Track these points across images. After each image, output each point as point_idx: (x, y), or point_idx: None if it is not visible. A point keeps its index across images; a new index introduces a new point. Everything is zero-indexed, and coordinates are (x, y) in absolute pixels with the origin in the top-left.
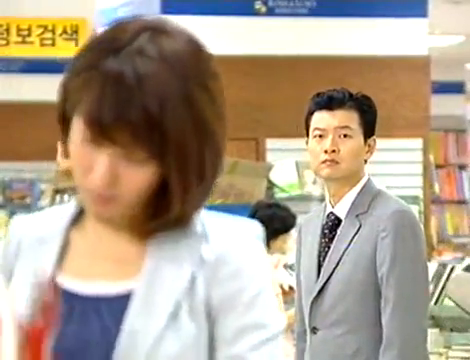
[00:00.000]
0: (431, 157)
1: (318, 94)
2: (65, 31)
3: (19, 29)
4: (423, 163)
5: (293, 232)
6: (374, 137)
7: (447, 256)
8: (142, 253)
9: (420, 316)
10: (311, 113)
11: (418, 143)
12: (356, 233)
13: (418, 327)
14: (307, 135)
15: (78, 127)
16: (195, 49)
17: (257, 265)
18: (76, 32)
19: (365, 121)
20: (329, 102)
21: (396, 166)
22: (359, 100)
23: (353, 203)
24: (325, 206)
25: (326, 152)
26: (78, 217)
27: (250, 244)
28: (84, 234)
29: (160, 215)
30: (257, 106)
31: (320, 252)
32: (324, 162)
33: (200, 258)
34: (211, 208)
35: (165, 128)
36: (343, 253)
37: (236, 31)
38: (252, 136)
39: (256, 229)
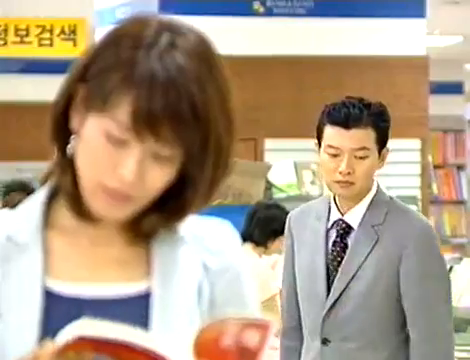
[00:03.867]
0: (429, 157)
1: (334, 106)
2: (63, 31)
3: (17, 29)
4: (421, 163)
5: None
6: (388, 146)
7: (445, 256)
8: (144, 255)
9: (450, 341)
10: (323, 124)
11: (416, 143)
12: (374, 246)
13: (448, 355)
14: (319, 145)
15: (105, 123)
16: (208, 43)
17: (247, 268)
18: (74, 32)
19: (381, 136)
20: (345, 120)
21: (394, 166)
22: (375, 114)
23: (366, 212)
24: (329, 209)
25: (340, 173)
26: (48, 217)
27: (240, 246)
28: (68, 237)
29: (178, 213)
30: (255, 106)
31: (329, 260)
32: (338, 181)
33: (203, 264)
34: (209, 208)
35: (209, 123)
36: (359, 266)
37: (234, 31)
38: (250, 136)
39: (235, 231)
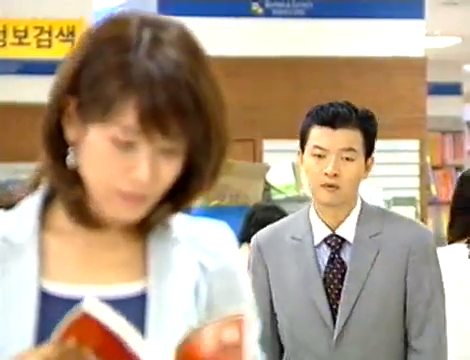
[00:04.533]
0: (428, 158)
1: (321, 107)
2: (62, 33)
3: (15, 30)
4: (420, 164)
5: None
6: (373, 156)
7: None
8: (140, 256)
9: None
10: (309, 126)
11: (415, 144)
12: (376, 258)
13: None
14: (302, 149)
15: (110, 131)
16: (191, 34)
17: (243, 268)
18: (73, 34)
19: (368, 140)
20: (333, 119)
21: (393, 167)
22: (363, 118)
23: (358, 224)
24: (310, 227)
25: (326, 175)
26: (44, 218)
27: (236, 247)
28: (64, 238)
29: (184, 202)
30: (254, 107)
31: (327, 281)
32: (323, 185)
33: (200, 265)
34: (207, 210)
35: (208, 108)
36: (364, 282)
37: (233, 32)
38: (249, 137)
39: (231, 232)
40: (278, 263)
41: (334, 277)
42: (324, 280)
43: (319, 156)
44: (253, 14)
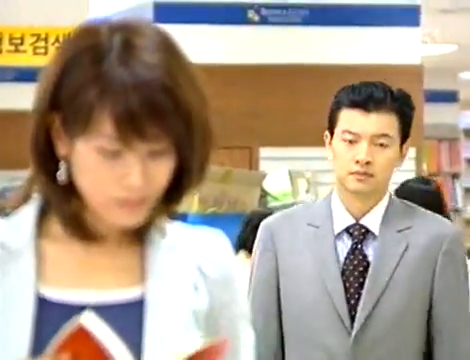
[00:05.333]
0: (424, 166)
1: (352, 88)
2: (58, 40)
3: (12, 38)
4: (416, 172)
5: None
6: (408, 142)
7: None
8: (137, 261)
9: None
10: (338, 107)
11: (411, 152)
12: (403, 254)
13: None
14: (330, 133)
15: (95, 142)
16: (166, 33)
17: (240, 276)
18: (63, 41)
19: (404, 125)
20: (366, 101)
21: None
22: (399, 99)
23: (386, 216)
24: (330, 214)
25: (357, 162)
26: (41, 225)
27: (233, 254)
28: (61, 244)
29: (176, 198)
30: (250, 115)
31: (346, 275)
32: (354, 173)
33: (199, 270)
34: (204, 217)
35: (188, 106)
36: (390, 278)
37: (229, 40)
38: (245, 145)
39: (227, 239)
40: (291, 251)
41: (354, 270)
42: (342, 272)
43: (350, 141)
44: (249, 21)
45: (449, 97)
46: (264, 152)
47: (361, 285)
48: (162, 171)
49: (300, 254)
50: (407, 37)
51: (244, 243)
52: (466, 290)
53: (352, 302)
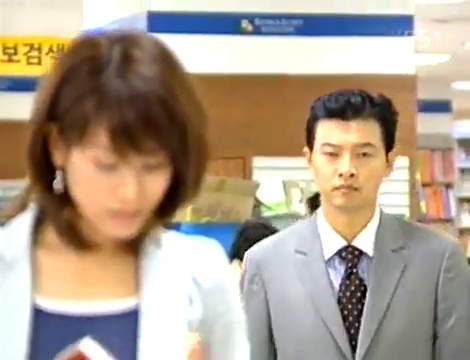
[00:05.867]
0: (418, 175)
1: (328, 97)
2: (52, 50)
3: (5, 47)
4: (409, 182)
5: None
6: (395, 150)
7: None
8: (132, 271)
9: None
10: (316, 119)
11: (404, 162)
12: (402, 274)
13: None
14: (309, 147)
15: (91, 153)
16: (165, 46)
17: (235, 285)
18: (62, 51)
19: (387, 132)
20: (344, 109)
21: (382, 185)
22: (380, 105)
23: (378, 234)
24: (318, 239)
25: (341, 176)
26: (36, 236)
27: (227, 264)
28: (56, 254)
29: (171, 210)
30: (244, 125)
31: (343, 301)
32: (338, 188)
33: (194, 280)
34: (198, 227)
35: (184, 119)
36: (390, 301)
37: (223, 50)
38: (239, 154)
39: (221, 249)
40: (280, 281)
41: (352, 296)
42: (338, 301)
43: (331, 154)
44: (243, 31)
45: (442, 107)
46: (258, 162)
47: (360, 312)
48: (157, 184)
49: (291, 286)
50: (400, 47)
51: (237, 252)
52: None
53: (352, 331)
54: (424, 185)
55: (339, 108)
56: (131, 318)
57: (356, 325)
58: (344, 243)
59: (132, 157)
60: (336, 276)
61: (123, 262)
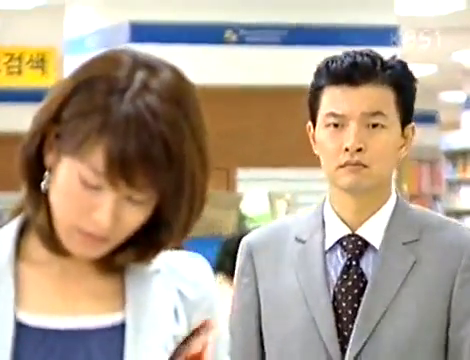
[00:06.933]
0: (405, 187)
1: (333, 58)
2: (32, 60)
3: None
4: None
5: None
6: (413, 124)
7: None
8: (117, 286)
9: None
10: (319, 87)
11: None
12: (410, 271)
13: None
14: (313, 122)
15: (79, 168)
16: (184, 80)
17: (219, 299)
18: (43, 61)
19: (403, 100)
20: (351, 72)
21: None
22: (394, 68)
23: (390, 224)
24: (322, 225)
25: (347, 150)
26: (20, 248)
27: (213, 278)
28: (40, 268)
29: (152, 250)
30: (228, 136)
31: (338, 297)
32: (344, 166)
33: (180, 293)
34: None
35: (184, 165)
36: (393, 299)
37: (206, 60)
38: (223, 166)
39: (207, 263)
40: (275, 272)
41: (348, 292)
42: (334, 297)
43: (335, 126)
44: (226, 41)
45: (429, 118)
46: (242, 173)
47: (357, 311)
48: (135, 217)
49: (285, 276)
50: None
51: (221, 266)
52: None
53: (345, 334)
54: (412, 196)
55: (345, 71)
56: (117, 333)
57: (350, 327)
58: (348, 231)
59: (121, 187)
60: (335, 269)
61: (109, 277)
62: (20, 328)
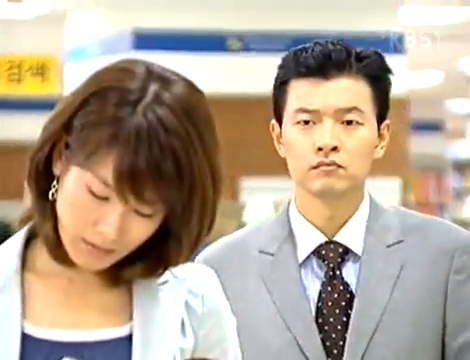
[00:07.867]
0: (411, 196)
1: (301, 49)
2: (32, 68)
3: None
4: (402, 203)
5: None
6: (387, 122)
7: None
8: (124, 298)
9: None
10: (286, 80)
11: (397, 182)
12: (399, 275)
13: None
14: (278, 120)
15: (87, 178)
16: (197, 94)
17: (229, 310)
18: (43, 68)
19: (379, 94)
20: (322, 64)
21: None
22: (369, 59)
23: (368, 227)
24: (290, 235)
25: (320, 150)
26: (26, 259)
27: (221, 290)
28: (47, 280)
29: (161, 265)
30: (232, 144)
31: (321, 311)
32: (317, 167)
33: (187, 305)
34: None
35: (193, 177)
36: (385, 308)
37: (209, 68)
38: (227, 174)
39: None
40: (241, 292)
41: (334, 306)
42: (317, 313)
43: (306, 123)
44: (228, 49)
45: (435, 127)
46: (246, 182)
47: (346, 326)
48: (142, 230)
49: (256, 296)
50: (392, 65)
51: None
52: None
53: (335, 352)
54: (418, 205)
55: (317, 62)
56: (123, 345)
57: (341, 343)
58: (323, 239)
59: (129, 200)
60: (314, 282)
61: (116, 289)
62: (26, 340)
